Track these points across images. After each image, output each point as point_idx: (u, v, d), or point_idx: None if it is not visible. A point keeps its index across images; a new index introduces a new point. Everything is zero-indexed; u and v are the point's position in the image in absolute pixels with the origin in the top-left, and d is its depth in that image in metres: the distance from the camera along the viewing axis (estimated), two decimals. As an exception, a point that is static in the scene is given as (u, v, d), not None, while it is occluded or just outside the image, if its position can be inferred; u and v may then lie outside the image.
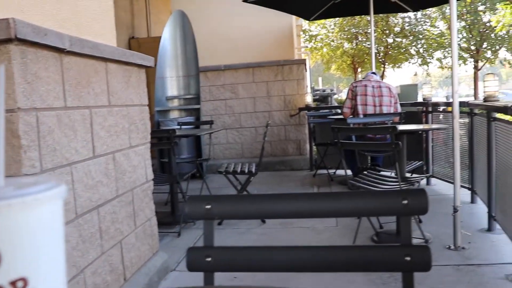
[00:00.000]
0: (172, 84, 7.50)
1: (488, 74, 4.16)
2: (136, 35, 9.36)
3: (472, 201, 5.05)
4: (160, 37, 7.15)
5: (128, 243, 2.88)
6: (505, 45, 23.11)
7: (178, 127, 6.53)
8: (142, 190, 3.13)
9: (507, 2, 12.92)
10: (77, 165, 2.29)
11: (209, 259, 1.03)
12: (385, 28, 23.20)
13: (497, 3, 18.51)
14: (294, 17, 8.80)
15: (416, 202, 0.91)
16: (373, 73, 5.85)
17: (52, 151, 2.08)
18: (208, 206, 1.01)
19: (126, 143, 2.90)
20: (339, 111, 7.23)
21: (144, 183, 3.19)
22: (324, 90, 14.19)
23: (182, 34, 7.41)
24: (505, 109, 3.06)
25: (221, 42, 8.16)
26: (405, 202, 0.92)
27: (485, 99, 4.12)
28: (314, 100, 10.96)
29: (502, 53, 24.35)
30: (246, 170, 4.72)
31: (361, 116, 5.42)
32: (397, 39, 24.12)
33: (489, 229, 4.08)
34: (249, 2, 6.85)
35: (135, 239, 2.99)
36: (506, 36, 22.20)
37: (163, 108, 7.35)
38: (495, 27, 19.14)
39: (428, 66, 25.18)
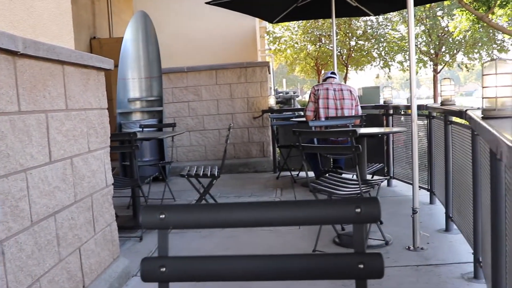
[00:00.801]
0: (134, 86, 7.40)
1: (445, 78, 4.26)
2: (98, 35, 9.21)
3: (431, 202, 5.16)
4: (122, 38, 7.05)
5: (87, 250, 2.82)
6: (462, 49, 23.76)
7: (140, 129, 6.44)
8: (101, 195, 3.08)
9: (463, 9, 13.35)
10: (32, 171, 2.23)
11: (163, 269, 1.01)
12: (347, 31, 23.52)
13: (454, 9, 19.01)
14: (257, 19, 8.82)
15: (368, 210, 0.92)
16: (333, 73, 5.90)
17: (5, 157, 2.02)
18: (162, 216, 1.00)
19: (84, 148, 2.85)
20: (302, 113, 7.28)
21: (104, 188, 3.13)
22: (287, 93, 14.26)
23: (144, 35, 7.32)
24: (460, 113, 3.14)
25: (184, 44, 8.12)
26: (358, 210, 0.93)
27: (442, 103, 4.22)
28: (277, 103, 11.01)
29: (460, 57, 25.03)
30: (209, 174, 4.70)
31: (323, 119, 5.47)
32: (359, 42, 24.51)
33: (447, 229, 4.17)
34: (212, 4, 6.82)
35: (95, 245, 2.93)
36: (463, 40, 22.82)
37: (125, 110, 7.24)
38: (453, 32, 19.64)
39: (389, 69, 25.65)
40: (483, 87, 2.18)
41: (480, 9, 12.85)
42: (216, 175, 4.63)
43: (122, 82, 7.14)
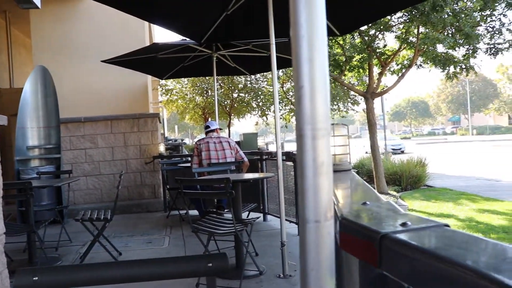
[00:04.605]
0: (33, 134, 7.01)
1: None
2: (-1, 86, 8.68)
3: (299, 233, 5.35)
4: (22, 89, 6.73)
5: (-24, 299, 2.57)
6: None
7: (38, 176, 6.07)
8: (-8, 244, 2.83)
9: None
10: None
11: (35, 278, 0.98)
12: (230, 85, 24.14)
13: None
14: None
15: (218, 264, 0.98)
16: (207, 126, 5.95)
17: None
18: (35, 278, 0.97)
19: (-25, 200, 2.63)
20: (189, 159, 7.31)
21: (-5, 237, 2.89)
22: (176, 140, 14.19)
23: (43, 87, 7.01)
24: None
25: (82, 96, 7.84)
26: (210, 265, 0.98)
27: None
28: (167, 149, 10.88)
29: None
30: (102, 217, 4.52)
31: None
32: (241, 94, 25.21)
33: (310, 257, 4.36)
34: (107, 62, 6.72)
35: (-16, 294, 2.68)
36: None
37: (24, 157, 6.82)
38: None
39: (266, 117, 26.60)
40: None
41: (335, 71, 14.16)
42: (108, 218, 4.47)
43: (21, 131, 6.75)
